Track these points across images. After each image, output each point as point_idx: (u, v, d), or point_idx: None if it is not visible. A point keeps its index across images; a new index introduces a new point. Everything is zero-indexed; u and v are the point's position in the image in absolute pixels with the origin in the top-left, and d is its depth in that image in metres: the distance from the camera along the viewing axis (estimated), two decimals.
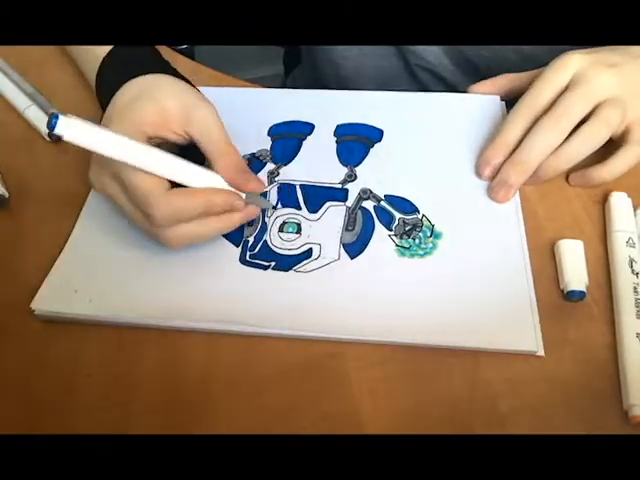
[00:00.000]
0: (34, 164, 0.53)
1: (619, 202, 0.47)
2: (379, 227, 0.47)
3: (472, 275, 0.44)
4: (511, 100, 0.52)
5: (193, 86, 0.47)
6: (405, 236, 0.46)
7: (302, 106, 0.56)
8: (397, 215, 0.48)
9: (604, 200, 0.49)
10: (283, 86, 0.58)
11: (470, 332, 0.41)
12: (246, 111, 0.55)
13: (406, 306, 0.43)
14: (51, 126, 0.38)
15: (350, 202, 0.49)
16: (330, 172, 0.51)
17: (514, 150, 0.48)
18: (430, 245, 0.46)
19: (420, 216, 0.48)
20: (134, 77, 0.45)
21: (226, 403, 0.40)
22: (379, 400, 0.40)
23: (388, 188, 0.49)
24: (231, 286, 0.44)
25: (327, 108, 0.55)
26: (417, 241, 0.46)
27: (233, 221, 0.44)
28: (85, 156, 0.53)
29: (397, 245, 0.46)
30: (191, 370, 0.41)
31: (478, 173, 0.49)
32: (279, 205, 0.49)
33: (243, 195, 0.44)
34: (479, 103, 0.55)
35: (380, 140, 0.53)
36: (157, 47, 0.50)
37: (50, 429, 0.39)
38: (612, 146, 0.48)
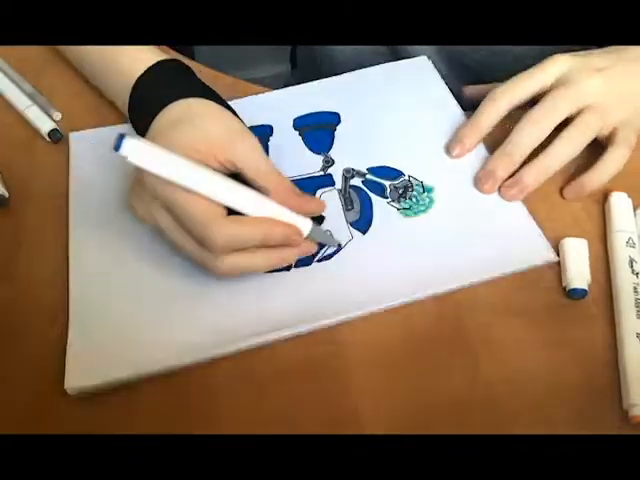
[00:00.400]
0: (34, 164, 0.53)
1: (619, 202, 0.48)
2: (375, 198, 0.49)
3: (473, 213, 0.47)
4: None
5: (234, 112, 0.45)
6: (402, 199, 0.49)
7: (255, 110, 0.55)
8: (386, 183, 0.50)
9: (604, 200, 0.49)
10: (286, 85, 0.58)
11: (490, 264, 0.44)
12: None
13: (428, 259, 0.45)
14: (116, 147, 0.37)
15: (339, 185, 0.50)
16: (307, 163, 0.52)
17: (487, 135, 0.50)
18: (427, 200, 0.48)
19: (407, 177, 0.50)
20: (176, 99, 0.44)
21: (226, 403, 0.40)
22: (379, 400, 0.40)
23: (367, 162, 0.51)
24: (259, 297, 0.44)
25: (279, 106, 0.56)
26: (414, 200, 0.48)
27: (288, 256, 0.42)
28: None
29: (399, 209, 0.48)
30: (190, 370, 0.41)
31: (448, 150, 0.51)
32: None
33: (305, 231, 0.42)
34: (411, 66, 0.58)
35: (339, 122, 0.54)
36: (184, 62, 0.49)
37: (50, 429, 0.39)
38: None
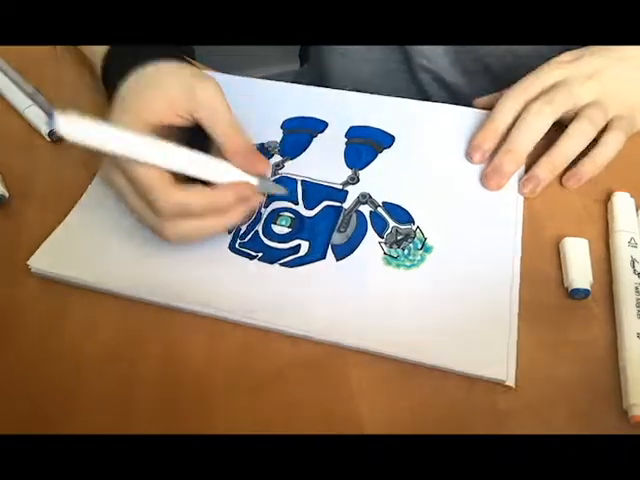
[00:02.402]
0: (34, 164, 0.53)
1: (621, 202, 0.47)
2: (371, 233, 0.47)
3: (453, 294, 0.43)
4: None
5: (198, 69, 0.46)
6: (395, 245, 0.46)
7: (318, 103, 0.56)
8: (391, 223, 0.47)
9: (606, 199, 0.48)
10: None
11: (439, 350, 0.41)
12: (262, 102, 0.56)
13: (382, 315, 0.42)
14: (50, 124, 0.38)
15: (347, 204, 0.49)
16: (334, 172, 0.51)
17: (504, 138, 0.50)
18: (418, 258, 0.45)
19: (414, 227, 0.47)
20: (136, 68, 0.44)
21: (225, 403, 0.40)
22: (379, 400, 0.40)
23: (388, 195, 0.49)
24: (216, 271, 0.45)
25: (343, 108, 0.55)
26: (406, 252, 0.46)
27: (237, 216, 0.43)
28: (85, 156, 0.53)
29: (385, 253, 0.46)
30: (189, 370, 0.41)
31: (468, 157, 0.51)
32: (275, 196, 0.49)
33: (253, 182, 0.43)
34: (479, 117, 0.54)
35: (390, 146, 0.53)
36: None
37: (50, 428, 0.39)
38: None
